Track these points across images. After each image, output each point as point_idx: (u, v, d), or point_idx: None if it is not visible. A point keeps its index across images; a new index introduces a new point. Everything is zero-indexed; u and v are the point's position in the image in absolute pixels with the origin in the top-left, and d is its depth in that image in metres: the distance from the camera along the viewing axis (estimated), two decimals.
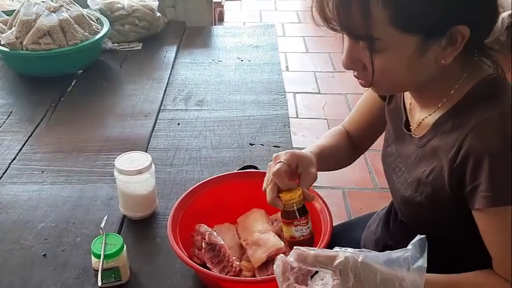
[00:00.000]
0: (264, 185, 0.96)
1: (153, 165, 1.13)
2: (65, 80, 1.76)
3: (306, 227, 0.91)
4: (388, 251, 0.69)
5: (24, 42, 1.68)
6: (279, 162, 0.94)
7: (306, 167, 0.95)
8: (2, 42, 1.69)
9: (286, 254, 0.99)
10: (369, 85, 0.83)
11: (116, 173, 1.11)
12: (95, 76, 1.82)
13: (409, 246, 0.68)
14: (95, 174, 1.31)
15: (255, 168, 1.28)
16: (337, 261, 0.66)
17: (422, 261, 0.67)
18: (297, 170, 0.95)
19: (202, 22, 2.28)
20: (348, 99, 3.19)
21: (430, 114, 0.86)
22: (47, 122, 1.54)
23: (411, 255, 0.68)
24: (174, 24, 2.22)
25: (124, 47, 2.01)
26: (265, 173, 1.16)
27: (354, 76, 0.86)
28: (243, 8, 4.71)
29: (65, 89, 1.72)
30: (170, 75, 1.82)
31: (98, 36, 1.78)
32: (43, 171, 1.33)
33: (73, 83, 1.77)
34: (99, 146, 1.42)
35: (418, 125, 0.89)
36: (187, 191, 1.08)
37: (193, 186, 1.09)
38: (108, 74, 1.86)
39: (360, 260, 0.67)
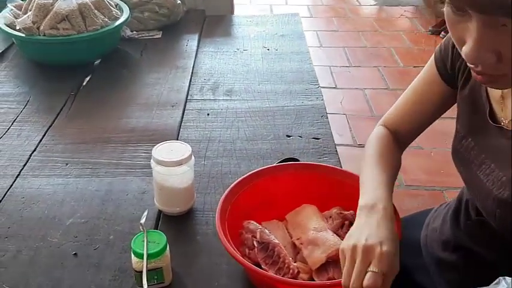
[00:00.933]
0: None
1: (193, 157, 1.03)
2: (82, 68, 1.67)
3: None
4: None
5: (42, 27, 1.58)
6: (373, 272, 0.73)
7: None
8: (18, 27, 1.59)
9: None
10: (497, 79, 0.69)
11: (153, 164, 1.01)
12: (114, 65, 1.72)
13: None
14: (124, 167, 1.21)
15: (296, 160, 1.19)
16: None
17: None
18: None
19: (222, 11, 2.19)
20: (366, 94, 3.09)
21: None
22: (67, 111, 1.44)
23: None
24: (193, 12, 2.12)
25: (143, 35, 1.91)
26: (315, 165, 1.07)
27: (475, 71, 0.70)
28: (253, 2, 4.61)
29: (84, 77, 1.62)
30: (194, 64, 1.72)
31: (118, 22, 1.68)
32: (67, 164, 1.23)
33: (92, 71, 1.67)
34: (126, 137, 1.33)
35: None
36: (232, 185, 0.98)
37: (240, 179, 0.99)
38: (128, 63, 1.76)
39: None
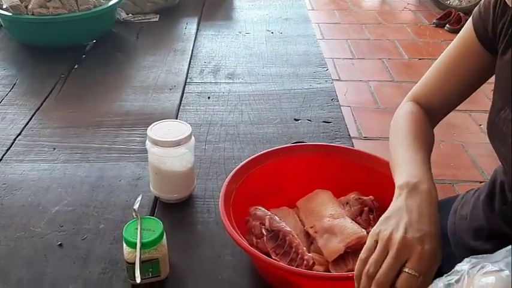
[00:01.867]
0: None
1: (193, 137, 0.92)
2: (74, 51, 1.56)
3: None
4: None
5: (30, 6, 1.47)
6: (408, 273, 0.62)
7: None
8: (4, 6, 1.48)
9: None
10: None
11: (148, 145, 0.90)
12: (108, 48, 1.61)
13: None
14: (117, 151, 1.11)
15: None
16: None
17: None
18: None
19: None
20: (370, 86, 2.99)
21: None
22: (56, 94, 1.34)
23: None
24: None
25: (139, 18, 1.80)
26: (330, 146, 0.96)
27: None
28: None
29: (75, 60, 1.52)
30: (194, 47, 1.61)
31: (112, 2, 1.58)
32: (54, 148, 1.12)
33: (84, 54, 1.57)
34: (119, 121, 1.22)
35: None
36: (238, 167, 0.87)
37: (246, 161, 0.89)
38: (123, 46, 1.65)
39: None
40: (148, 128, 0.91)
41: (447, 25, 3.80)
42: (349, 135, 1.17)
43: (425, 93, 0.89)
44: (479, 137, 2.56)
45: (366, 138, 2.51)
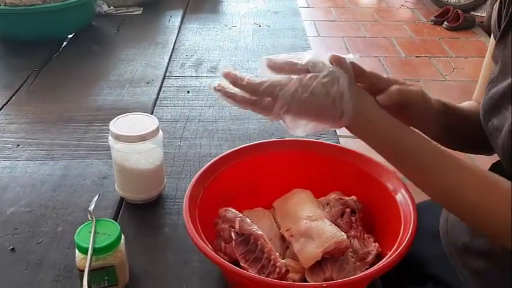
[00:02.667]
0: None
1: (161, 132, 0.85)
2: (50, 44, 1.49)
3: None
4: None
5: None
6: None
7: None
8: None
9: (349, 248, 0.71)
10: None
11: (111, 141, 0.83)
12: (86, 41, 1.54)
13: None
14: (84, 148, 1.03)
15: None
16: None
17: None
18: None
19: None
20: None
21: None
22: (27, 88, 1.26)
23: None
24: None
25: (122, 11, 1.73)
26: (309, 142, 0.89)
27: None
28: None
29: (51, 54, 1.44)
30: (176, 40, 1.54)
31: None
32: (18, 145, 1.04)
33: (60, 48, 1.49)
34: (91, 116, 1.14)
35: None
36: (207, 165, 0.80)
37: (215, 159, 0.81)
38: (101, 39, 1.58)
39: None
40: (111, 122, 0.83)
41: (445, 22, 3.72)
42: (335, 131, 1.09)
43: (476, 96, 0.87)
44: None
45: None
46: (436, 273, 0.84)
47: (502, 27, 0.72)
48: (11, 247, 0.79)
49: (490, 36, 0.81)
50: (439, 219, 0.88)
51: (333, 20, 3.89)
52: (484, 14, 3.79)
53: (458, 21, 3.67)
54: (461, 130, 0.81)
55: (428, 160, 0.64)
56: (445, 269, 0.82)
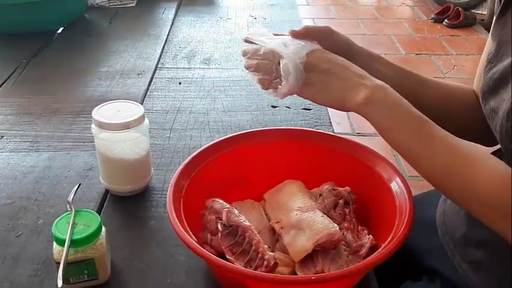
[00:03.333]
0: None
1: (147, 120, 0.81)
2: (41, 37, 1.45)
3: None
4: None
5: None
6: None
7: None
8: None
9: (342, 240, 0.68)
10: None
11: (94, 129, 0.79)
12: (77, 33, 1.50)
13: None
14: (70, 140, 0.99)
15: None
16: None
17: None
18: None
19: None
20: None
21: None
22: (14, 79, 1.23)
23: None
24: None
25: (115, 3, 1.69)
26: (301, 131, 0.85)
27: None
28: None
29: (41, 46, 1.40)
30: (170, 32, 1.50)
31: None
32: (2, 136, 1.01)
33: (50, 41, 1.45)
34: (79, 107, 1.11)
35: None
36: (193, 154, 0.76)
37: (202, 148, 0.77)
38: (93, 31, 1.54)
39: None
40: (94, 109, 0.79)
41: (446, 20, 3.68)
42: (330, 122, 1.06)
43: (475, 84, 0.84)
44: None
45: (359, 134, 2.40)
46: (432, 266, 0.80)
47: (501, 3, 0.68)
48: None
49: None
50: (435, 211, 0.84)
51: (332, 18, 3.85)
52: (484, 12, 3.75)
53: (459, 19, 3.63)
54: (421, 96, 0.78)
55: (459, 143, 0.61)
56: (441, 262, 0.78)
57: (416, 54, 3.23)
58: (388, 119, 0.64)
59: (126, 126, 0.77)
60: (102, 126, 0.77)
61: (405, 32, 3.60)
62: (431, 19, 3.78)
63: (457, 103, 0.82)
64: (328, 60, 0.68)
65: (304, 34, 0.72)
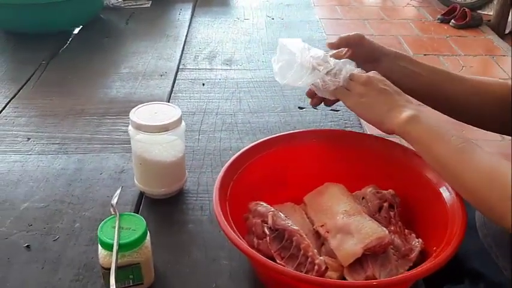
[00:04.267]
0: None
1: (184, 123, 0.80)
2: (58, 37, 1.44)
3: None
4: None
5: None
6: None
7: None
8: None
9: (391, 244, 0.67)
10: None
11: (131, 131, 0.78)
12: (94, 33, 1.49)
13: None
14: (99, 142, 0.98)
15: None
16: None
17: None
18: None
19: None
20: None
21: None
22: (35, 81, 1.21)
23: None
24: None
25: (130, 4, 1.68)
26: (338, 131, 0.84)
27: None
28: None
29: (59, 47, 1.39)
30: (188, 33, 1.49)
31: None
32: (29, 138, 0.99)
33: (68, 41, 1.44)
34: (103, 109, 1.09)
35: None
36: (235, 156, 0.75)
37: (244, 149, 0.76)
38: (111, 32, 1.53)
39: None
40: (131, 111, 0.78)
41: (452, 21, 3.68)
42: (360, 124, 1.05)
43: None
44: (489, 134, 2.44)
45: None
46: (475, 268, 0.79)
47: None
48: (26, 244, 0.74)
49: (497, 34, 0.79)
50: (472, 212, 0.83)
51: (338, 18, 3.85)
52: (491, 13, 3.75)
53: (465, 20, 3.62)
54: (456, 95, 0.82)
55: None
56: (485, 264, 0.77)
57: (424, 55, 3.22)
58: (429, 133, 0.67)
59: (165, 128, 0.76)
60: (140, 128, 0.76)
61: (412, 33, 3.59)
62: (438, 20, 3.77)
63: (491, 98, 0.83)
64: (385, 82, 0.74)
65: (340, 43, 0.83)
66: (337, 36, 0.86)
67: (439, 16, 3.79)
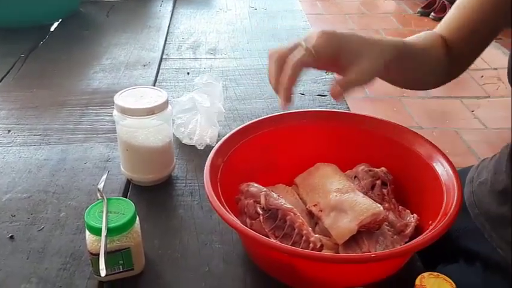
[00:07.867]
0: (272, 81, 0.68)
1: (170, 106, 0.78)
2: (36, 32, 1.40)
3: None
4: None
5: None
6: (305, 48, 0.65)
7: (355, 57, 0.62)
8: None
9: (386, 220, 0.66)
10: None
11: (116, 116, 0.75)
12: (74, 26, 1.46)
13: None
14: (82, 132, 0.96)
15: None
16: None
17: None
18: (339, 62, 0.63)
19: None
20: None
21: None
22: (15, 74, 1.18)
23: None
24: None
25: None
26: (327, 112, 0.83)
27: None
28: None
29: (38, 40, 1.36)
30: (170, 23, 1.47)
31: None
32: (9, 131, 0.96)
33: (48, 34, 1.41)
34: (86, 100, 1.07)
35: None
36: (223, 139, 0.73)
37: (233, 132, 0.75)
38: (91, 24, 1.50)
39: None
40: (116, 95, 0.76)
41: (432, 13, 3.71)
42: (348, 107, 1.04)
43: (448, 31, 0.81)
44: (472, 123, 2.46)
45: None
46: (470, 247, 0.78)
47: None
48: (10, 235, 0.71)
49: None
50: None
51: (320, 14, 3.86)
52: None
53: (444, 12, 3.65)
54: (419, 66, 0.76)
55: None
56: (478, 242, 0.77)
57: None
58: None
59: (151, 111, 0.74)
60: (125, 112, 0.74)
61: (393, 26, 3.61)
62: (418, 13, 3.80)
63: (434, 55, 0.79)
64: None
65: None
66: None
67: (419, 9, 3.83)
